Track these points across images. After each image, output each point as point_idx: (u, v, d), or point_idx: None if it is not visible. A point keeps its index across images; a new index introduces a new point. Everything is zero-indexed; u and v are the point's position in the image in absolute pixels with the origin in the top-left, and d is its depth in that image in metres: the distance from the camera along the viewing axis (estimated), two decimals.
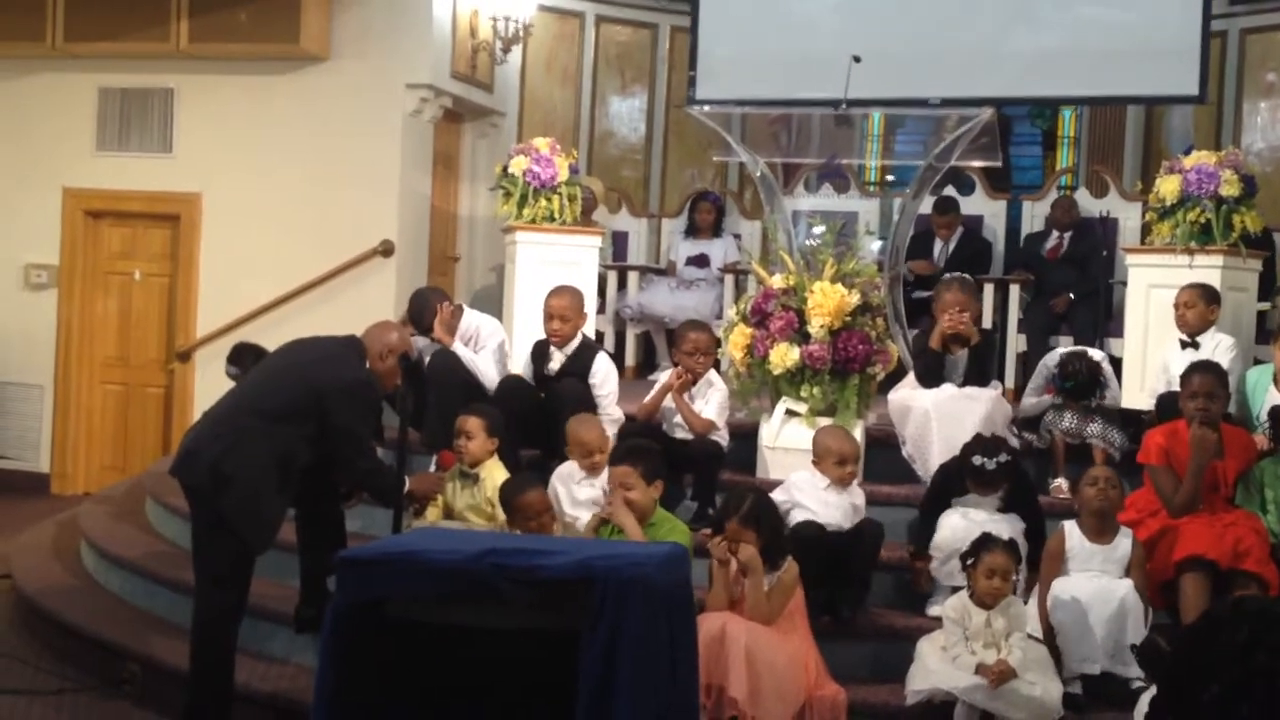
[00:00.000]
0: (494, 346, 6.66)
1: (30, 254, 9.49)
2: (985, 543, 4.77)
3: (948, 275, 6.60)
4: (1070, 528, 5.00)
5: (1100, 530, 4.96)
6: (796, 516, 5.22)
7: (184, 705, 4.83)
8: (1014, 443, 5.97)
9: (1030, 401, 6.25)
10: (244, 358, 6.78)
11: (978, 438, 5.41)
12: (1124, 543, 4.96)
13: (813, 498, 5.31)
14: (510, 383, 6.40)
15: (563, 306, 6.30)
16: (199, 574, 4.88)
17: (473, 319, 6.74)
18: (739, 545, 4.69)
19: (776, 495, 5.30)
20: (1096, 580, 4.85)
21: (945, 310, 6.12)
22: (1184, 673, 2.21)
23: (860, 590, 5.21)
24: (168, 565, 6.10)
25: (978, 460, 5.24)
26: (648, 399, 6.13)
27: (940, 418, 5.89)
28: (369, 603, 3.33)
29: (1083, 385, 5.99)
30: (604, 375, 6.25)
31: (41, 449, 9.50)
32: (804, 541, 5.01)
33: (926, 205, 8.42)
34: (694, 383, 6.03)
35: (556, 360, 6.33)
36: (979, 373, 6.15)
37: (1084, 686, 4.73)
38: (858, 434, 5.99)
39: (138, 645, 5.62)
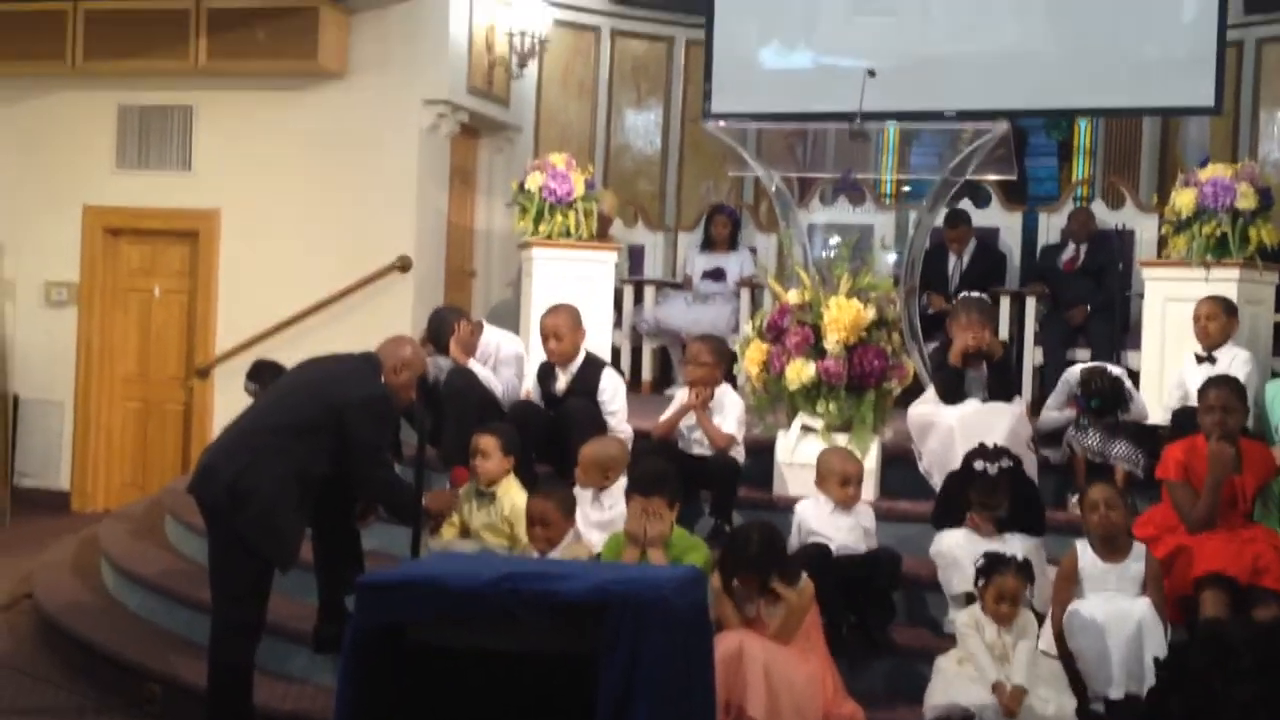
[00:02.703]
0: (513, 363, 6.67)
1: (51, 271, 9.55)
2: (996, 565, 4.75)
3: (963, 295, 6.58)
4: (1082, 547, 4.95)
5: (1111, 550, 4.92)
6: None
7: None
8: (1032, 458, 5.96)
9: (1052, 415, 6.22)
10: (263, 374, 6.82)
11: (980, 445, 5.41)
12: (1137, 560, 4.92)
13: (821, 523, 5.31)
14: (521, 405, 6.42)
15: (555, 325, 6.29)
16: (217, 592, 4.90)
17: (493, 336, 6.75)
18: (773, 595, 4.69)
19: (792, 533, 5.35)
20: (1113, 601, 4.80)
21: (964, 330, 6.10)
22: (1160, 697, 2.37)
23: (886, 613, 5.19)
24: (187, 583, 6.12)
25: (979, 465, 5.22)
26: (664, 418, 6.12)
27: (965, 433, 5.84)
28: (388, 626, 3.35)
29: (1108, 402, 5.96)
30: (612, 392, 6.25)
31: (62, 466, 9.55)
32: (811, 562, 5.01)
33: (941, 218, 8.41)
34: (710, 398, 6.03)
35: (562, 380, 6.33)
36: (1001, 387, 6.13)
37: (1107, 708, 4.69)
38: (874, 449, 6.01)
39: (158, 664, 5.65)
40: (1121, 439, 5.88)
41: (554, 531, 5.09)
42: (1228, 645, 2.33)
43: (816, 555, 5.10)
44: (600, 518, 5.44)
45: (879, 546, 5.30)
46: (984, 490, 5.23)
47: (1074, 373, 6.21)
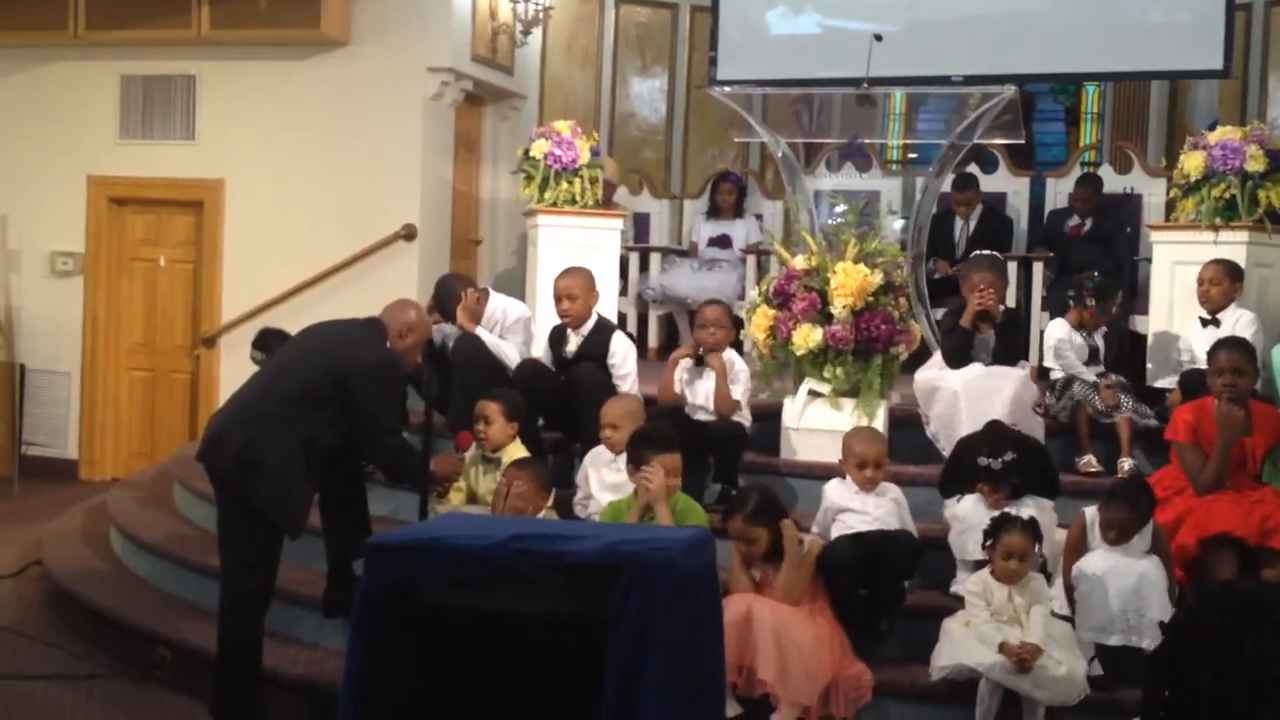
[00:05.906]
0: (519, 329, 6.66)
1: (56, 242, 9.55)
2: (1004, 523, 4.78)
3: (976, 253, 6.56)
4: (1091, 516, 4.94)
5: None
6: (837, 528, 5.21)
7: (214, 690, 4.87)
8: (1040, 422, 5.95)
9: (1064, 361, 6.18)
10: (269, 343, 6.82)
11: (985, 432, 5.39)
12: (1144, 532, 4.89)
13: (848, 501, 5.26)
14: (529, 367, 6.38)
15: (570, 285, 6.28)
16: (226, 559, 4.91)
17: (499, 302, 6.74)
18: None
19: (820, 511, 5.35)
20: (1120, 556, 4.82)
21: (974, 289, 6.08)
22: (1176, 659, 2.23)
23: (892, 599, 5.09)
24: (196, 550, 6.14)
25: (983, 460, 5.21)
26: (663, 379, 6.13)
27: (969, 397, 5.84)
28: (397, 588, 3.35)
29: (1105, 288, 6.10)
30: (623, 355, 6.23)
31: (69, 435, 9.57)
32: (835, 560, 4.98)
33: (948, 184, 8.38)
34: (700, 354, 6.00)
35: (573, 342, 6.31)
36: (1007, 352, 6.12)
37: (1102, 657, 4.71)
38: (881, 414, 5.99)
39: (168, 630, 5.67)
40: (1129, 394, 5.89)
41: (526, 504, 5.12)
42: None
43: (840, 553, 5.02)
44: (616, 479, 5.43)
45: (899, 529, 5.19)
46: (990, 480, 5.22)
47: (1057, 323, 6.26)
